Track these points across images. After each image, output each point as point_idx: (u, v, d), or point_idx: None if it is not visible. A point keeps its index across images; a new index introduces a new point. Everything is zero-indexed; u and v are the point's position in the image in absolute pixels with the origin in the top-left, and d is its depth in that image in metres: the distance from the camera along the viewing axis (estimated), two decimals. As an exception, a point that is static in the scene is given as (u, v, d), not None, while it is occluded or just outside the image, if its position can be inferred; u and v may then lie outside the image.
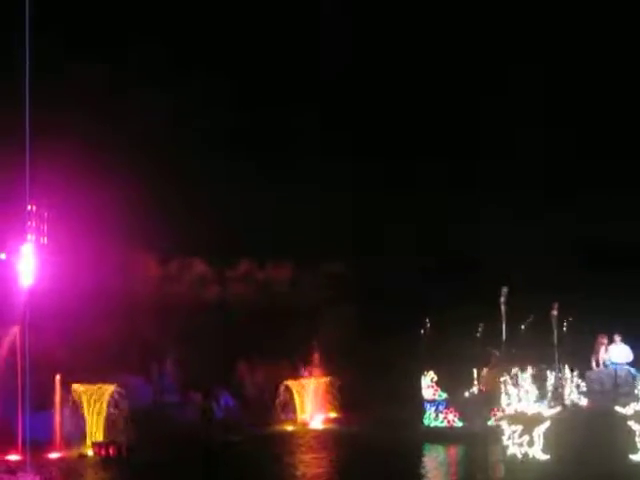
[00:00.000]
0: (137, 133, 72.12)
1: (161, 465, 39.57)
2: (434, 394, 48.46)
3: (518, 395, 36.77)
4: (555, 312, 44.85)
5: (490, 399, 46.38)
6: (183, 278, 77.00)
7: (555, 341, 44.27)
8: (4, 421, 44.33)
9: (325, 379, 58.49)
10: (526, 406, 34.61)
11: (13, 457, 40.75)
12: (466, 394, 48.88)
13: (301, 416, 57.10)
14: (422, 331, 52.54)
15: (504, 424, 33.85)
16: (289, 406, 57.22)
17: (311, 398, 57.70)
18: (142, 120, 72.41)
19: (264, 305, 70.35)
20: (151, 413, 54.53)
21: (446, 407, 48.19)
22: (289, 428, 54.44)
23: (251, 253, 79.58)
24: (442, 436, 46.14)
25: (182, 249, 76.46)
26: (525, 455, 32.63)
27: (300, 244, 67.06)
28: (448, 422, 47.96)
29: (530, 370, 44.46)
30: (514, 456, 32.75)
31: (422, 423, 48.42)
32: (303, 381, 58.01)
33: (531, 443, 32.56)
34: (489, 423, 45.55)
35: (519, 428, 33.03)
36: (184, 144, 73.99)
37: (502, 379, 39.89)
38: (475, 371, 49.15)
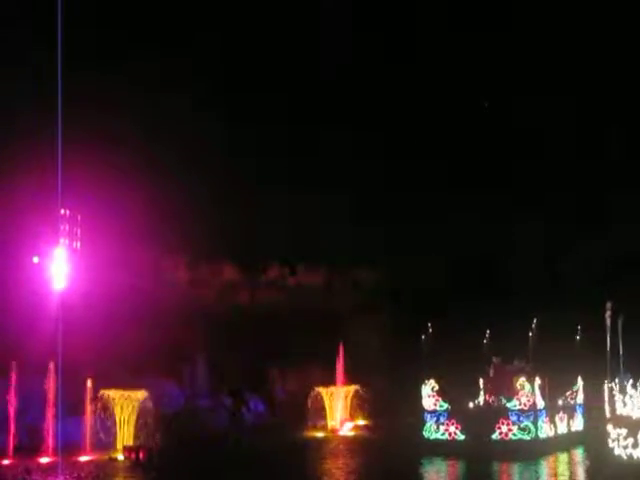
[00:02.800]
0: (169, 138, 72.45)
1: (191, 469, 39.63)
2: (435, 404, 45.02)
3: (623, 400, 37.18)
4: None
5: (496, 410, 44.02)
6: (214, 282, 77.23)
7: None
8: (37, 424, 44.74)
9: (355, 387, 58.34)
10: (631, 410, 36.26)
11: (45, 460, 41.05)
12: (470, 405, 45.75)
13: (331, 423, 57.01)
14: (423, 337, 49.84)
15: (610, 427, 34.54)
16: (319, 412, 57.16)
17: (341, 405, 57.57)
18: (174, 125, 72.76)
19: (295, 310, 70.40)
20: (182, 417, 54.75)
21: (448, 418, 44.59)
22: (319, 434, 54.36)
23: (282, 258, 79.87)
24: (443, 450, 42.80)
25: (213, 253, 76.76)
26: (630, 456, 33.42)
27: (330, 249, 67.00)
28: (450, 435, 44.39)
29: (538, 381, 43.40)
30: (619, 457, 33.63)
31: (422, 435, 45.03)
32: (333, 388, 57.81)
33: (635, 445, 33.45)
34: (493, 437, 42.98)
35: (624, 431, 33.83)
36: (214, 149, 74.23)
37: (608, 386, 39.53)
38: (482, 380, 46.26)
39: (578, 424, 47.76)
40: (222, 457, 43.61)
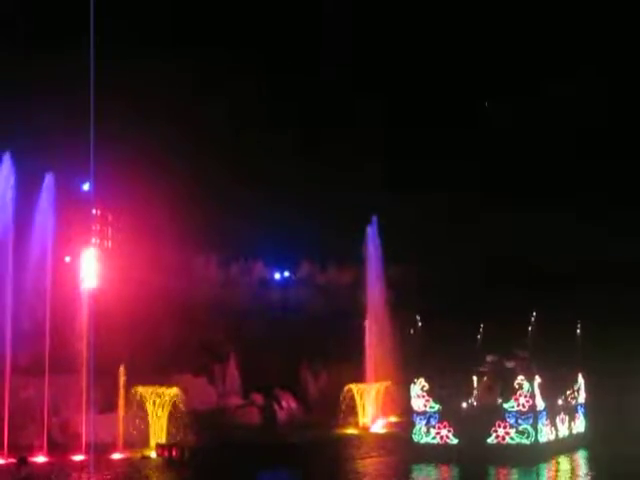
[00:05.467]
0: (201, 137, 72.74)
1: (223, 467, 39.64)
2: (425, 405, 41.33)
3: None
4: None
5: (491, 411, 40.52)
6: (245, 281, 77.51)
7: None
8: (70, 422, 45.06)
9: (387, 383, 58.14)
10: None
11: (78, 457, 41.27)
12: (463, 405, 42.05)
13: (363, 420, 56.86)
14: (411, 331, 46.41)
15: None
16: (351, 410, 57.05)
17: (373, 402, 57.41)
18: (206, 124, 73.03)
19: (327, 308, 70.46)
20: (214, 415, 54.85)
21: (439, 421, 40.88)
22: (351, 432, 54.26)
23: (313, 257, 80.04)
24: (434, 454, 39.63)
25: (243, 252, 77.13)
26: None
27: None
28: (441, 438, 40.61)
29: (538, 379, 40.08)
30: None
31: (411, 439, 41.60)
32: (366, 385, 57.63)
33: None
34: (489, 441, 39.72)
35: None
36: (245, 148, 74.56)
37: None
38: (475, 379, 42.58)
39: (580, 425, 44.61)
40: (255, 455, 43.50)
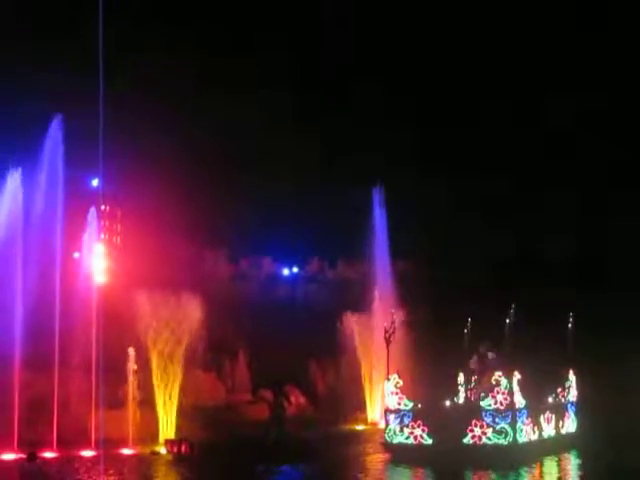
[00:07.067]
0: (211, 133, 72.84)
1: (232, 463, 39.68)
2: (399, 403, 39.32)
3: None
4: None
5: (472, 410, 38.55)
6: (253, 276, 77.60)
7: None
8: (79, 418, 45.17)
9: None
10: None
11: (87, 453, 41.39)
12: (447, 403, 40.30)
13: (371, 416, 56.87)
14: (385, 324, 44.94)
15: None
16: (360, 405, 57.12)
17: (380, 397, 57.36)
18: (215, 118, 73.12)
19: (335, 304, 70.39)
20: (223, 411, 54.96)
21: (413, 419, 38.78)
22: (359, 427, 54.28)
23: (321, 253, 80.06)
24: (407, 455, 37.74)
25: (252, 248, 77.21)
26: None
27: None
28: (415, 438, 38.55)
29: (517, 375, 38.10)
30: None
31: (384, 439, 39.81)
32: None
33: None
34: (465, 441, 37.58)
35: None
36: (255, 144, 74.61)
37: None
38: (462, 376, 40.83)
39: (569, 425, 42.63)
40: (263, 451, 43.51)
